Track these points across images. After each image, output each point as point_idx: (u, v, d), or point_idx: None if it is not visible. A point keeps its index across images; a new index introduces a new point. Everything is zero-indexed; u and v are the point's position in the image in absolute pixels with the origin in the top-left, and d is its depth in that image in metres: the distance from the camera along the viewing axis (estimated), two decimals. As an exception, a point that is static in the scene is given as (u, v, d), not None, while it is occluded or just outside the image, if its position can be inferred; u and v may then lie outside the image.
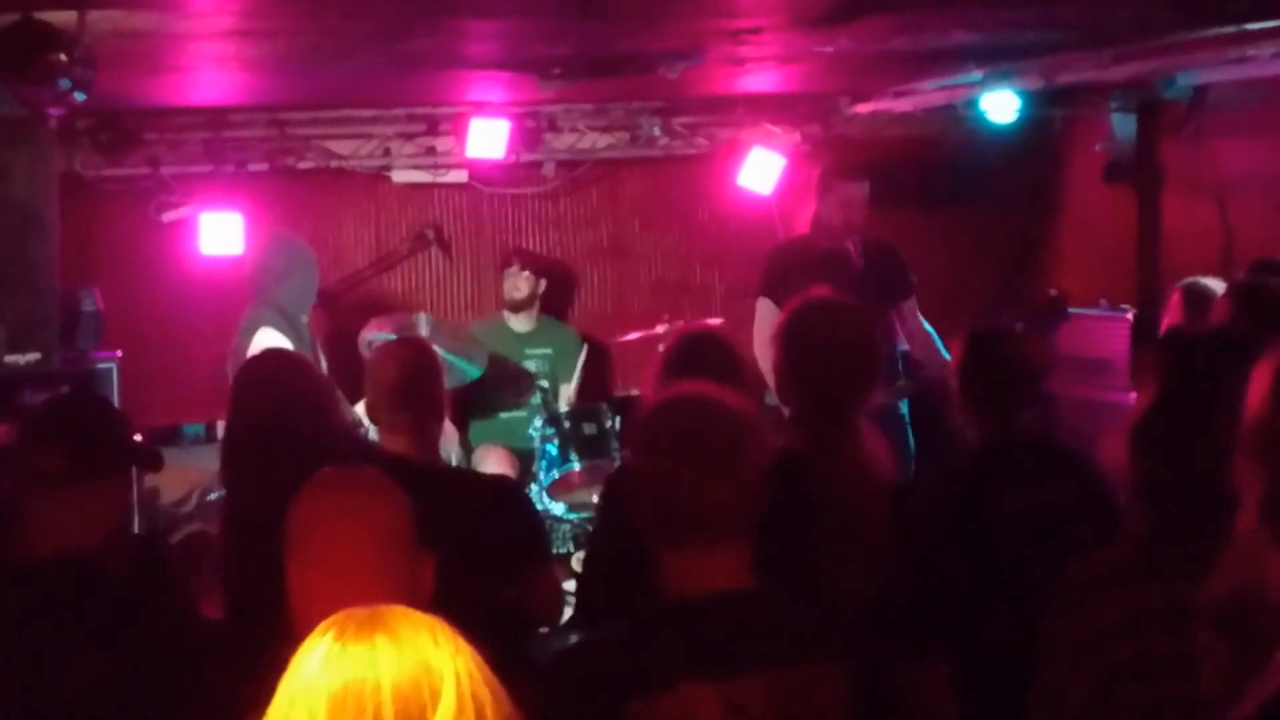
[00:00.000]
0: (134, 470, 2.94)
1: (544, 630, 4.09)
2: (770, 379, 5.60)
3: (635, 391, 6.66)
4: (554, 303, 7.72)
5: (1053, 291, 6.86)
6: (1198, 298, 5.04)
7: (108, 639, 2.46)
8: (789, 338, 3.38)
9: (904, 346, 6.38)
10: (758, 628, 2.24)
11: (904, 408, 6.26)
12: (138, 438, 3.51)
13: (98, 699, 2.41)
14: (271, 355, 4.24)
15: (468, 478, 4.82)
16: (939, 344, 6.19)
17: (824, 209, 6.22)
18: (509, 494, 3.90)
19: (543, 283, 7.42)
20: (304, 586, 2.12)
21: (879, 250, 6.33)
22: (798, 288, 3.65)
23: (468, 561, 2.96)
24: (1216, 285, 5.08)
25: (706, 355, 3.62)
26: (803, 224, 6.44)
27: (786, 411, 3.42)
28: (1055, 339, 7.10)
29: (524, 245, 7.84)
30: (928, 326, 6.37)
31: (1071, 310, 7.24)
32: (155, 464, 2.99)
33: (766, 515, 2.32)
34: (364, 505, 2.17)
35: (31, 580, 2.53)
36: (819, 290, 3.53)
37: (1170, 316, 5.13)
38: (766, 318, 5.91)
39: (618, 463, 6.10)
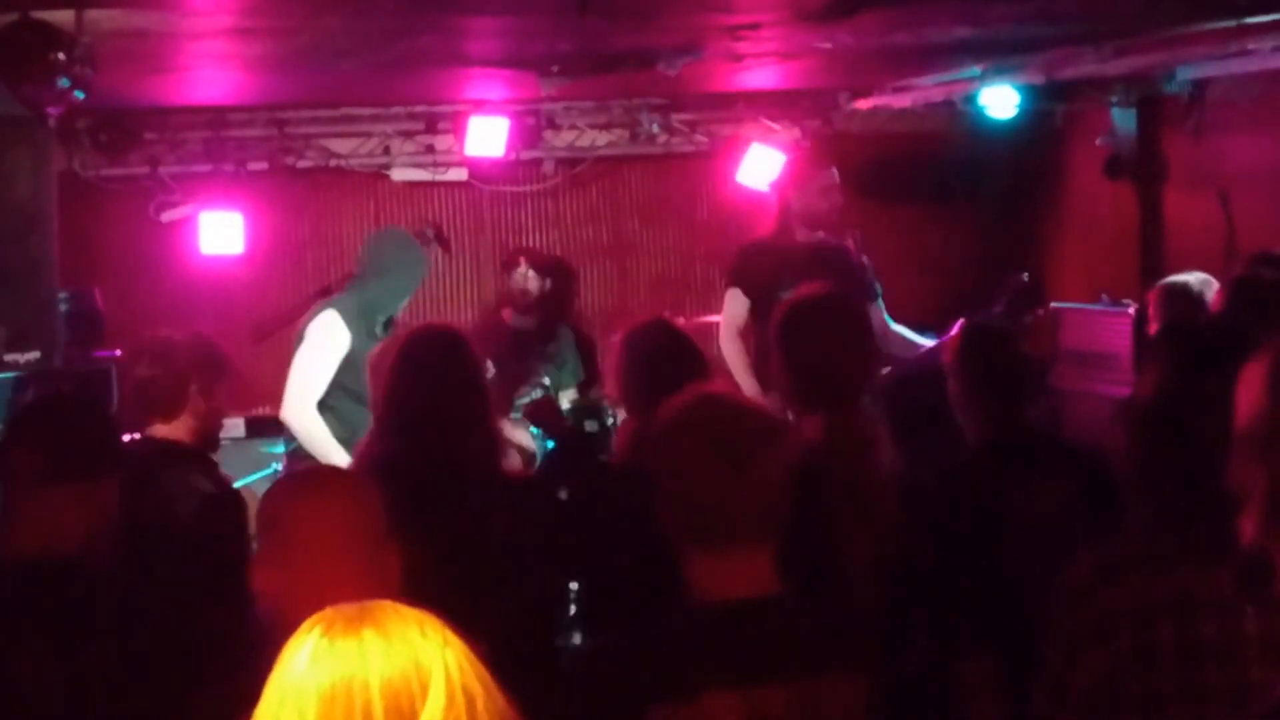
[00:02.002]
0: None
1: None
2: (736, 370, 5.59)
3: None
4: (556, 302, 7.70)
5: (1025, 276, 6.79)
6: (1178, 295, 5.02)
7: (78, 641, 2.45)
8: (793, 328, 3.39)
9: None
10: (783, 635, 2.23)
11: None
12: (132, 438, 3.52)
13: (59, 703, 2.39)
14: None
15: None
16: (914, 337, 6.00)
17: (807, 200, 6.06)
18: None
19: (547, 282, 7.41)
20: (269, 583, 2.12)
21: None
22: (796, 284, 3.66)
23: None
24: (1193, 279, 5.06)
25: (680, 349, 3.68)
26: (766, 223, 6.26)
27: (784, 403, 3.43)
28: (1055, 326, 7.06)
29: (525, 243, 7.83)
30: (896, 325, 6.12)
31: (1073, 305, 7.22)
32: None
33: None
34: (327, 501, 2.18)
35: (7, 580, 2.54)
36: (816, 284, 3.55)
37: (1153, 318, 5.08)
38: (739, 311, 5.79)
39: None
